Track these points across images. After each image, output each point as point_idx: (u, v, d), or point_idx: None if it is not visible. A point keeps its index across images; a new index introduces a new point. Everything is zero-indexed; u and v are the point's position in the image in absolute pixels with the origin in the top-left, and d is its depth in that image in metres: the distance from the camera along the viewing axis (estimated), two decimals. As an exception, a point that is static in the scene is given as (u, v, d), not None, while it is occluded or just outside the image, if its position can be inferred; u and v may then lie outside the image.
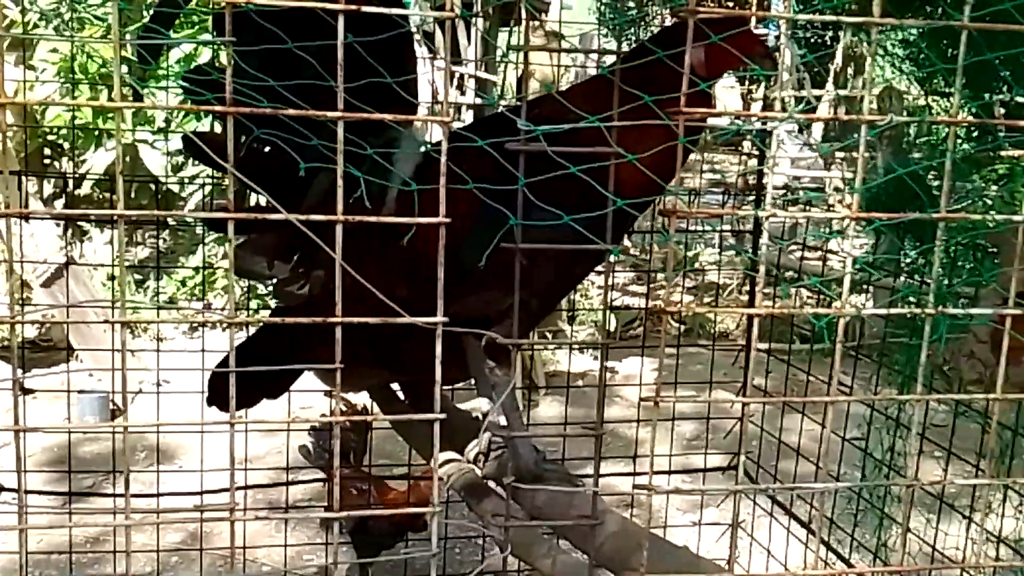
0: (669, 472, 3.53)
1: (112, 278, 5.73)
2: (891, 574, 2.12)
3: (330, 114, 0.81)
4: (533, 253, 1.21)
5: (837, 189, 8.62)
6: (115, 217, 0.81)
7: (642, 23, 2.68)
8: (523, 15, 4.29)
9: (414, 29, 1.77)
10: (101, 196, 6.82)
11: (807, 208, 5.85)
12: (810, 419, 3.15)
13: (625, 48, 1.59)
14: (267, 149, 1.53)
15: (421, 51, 5.08)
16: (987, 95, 1.89)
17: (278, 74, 1.32)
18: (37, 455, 4.37)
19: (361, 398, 2.99)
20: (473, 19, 5.95)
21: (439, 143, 0.87)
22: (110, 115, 5.84)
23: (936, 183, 1.80)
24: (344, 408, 3.02)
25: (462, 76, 6.68)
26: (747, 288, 7.02)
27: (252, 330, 1.75)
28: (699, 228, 4.74)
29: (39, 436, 4.36)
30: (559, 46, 3.71)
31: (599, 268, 1.73)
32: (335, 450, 0.92)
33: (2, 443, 4.37)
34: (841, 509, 2.92)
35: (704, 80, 1.39)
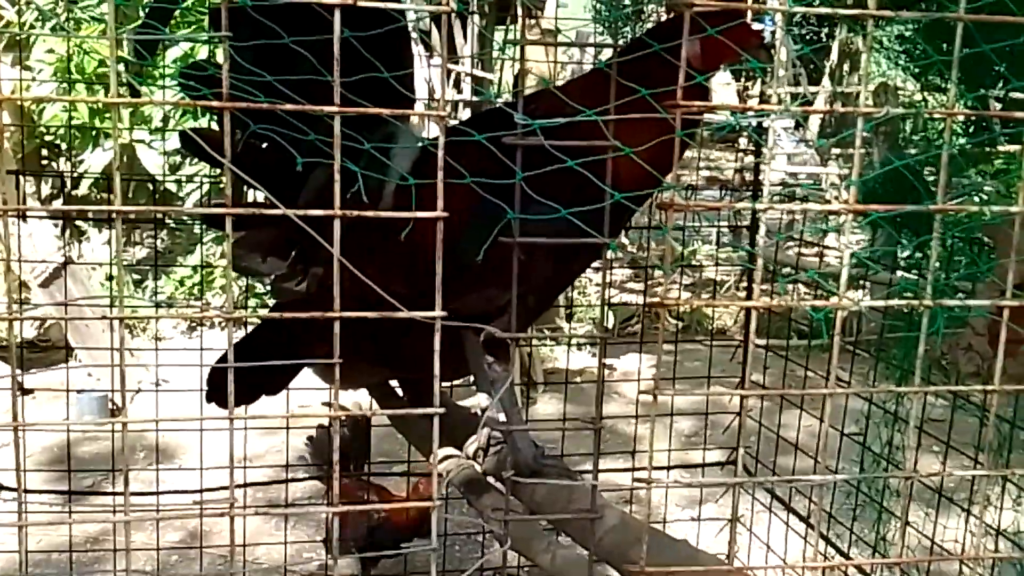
0: (668, 467, 3.53)
1: (110, 278, 5.72)
2: (890, 567, 2.12)
3: (327, 109, 0.81)
4: (531, 248, 1.21)
5: (833, 185, 8.64)
6: (113, 214, 0.81)
7: (637, 19, 2.68)
8: (519, 11, 4.29)
9: (410, 26, 1.78)
10: (99, 196, 6.82)
11: (804, 203, 5.85)
12: (808, 414, 3.16)
13: (621, 44, 1.59)
14: (264, 145, 1.54)
15: (418, 49, 5.08)
16: (982, 90, 1.89)
17: (275, 69, 1.32)
18: (36, 455, 4.37)
19: (360, 399, 3.00)
20: (469, 16, 5.95)
21: (437, 138, 0.87)
22: (107, 114, 5.84)
23: (932, 178, 1.81)
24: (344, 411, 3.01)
25: (458, 74, 6.67)
26: (744, 284, 7.02)
27: (251, 328, 1.75)
28: (696, 224, 4.74)
29: (38, 436, 4.36)
30: (555, 42, 3.71)
31: (596, 264, 1.74)
32: (335, 451, 0.92)
33: (1, 443, 4.37)
34: (840, 504, 2.93)
35: (701, 73, 1.39)
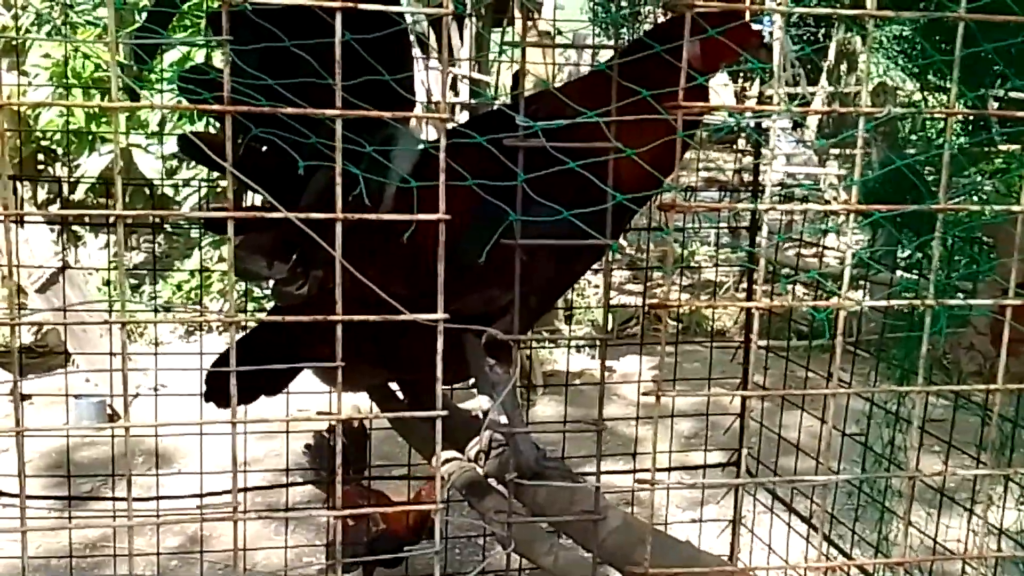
0: (669, 469, 3.53)
1: (108, 283, 5.72)
2: (893, 567, 2.12)
3: (328, 112, 0.80)
4: (532, 249, 1.21)
5: (832, 185, 8.65)
6: (113, 219, 0.81)
7: (634, 21, 2.68)
8: (516, 14, 4.29)
9: (409, 29, 1.77)
10: (95, 201, 6.81)
11: (804, 203, 5.85)
12: (809, 414, 3.15)
13: (619, 45, 1.59)
14: (264, 148, 1.53)
15: (416, 52, 5.07)
16: (982, 89, 1.89)
17: (275, 72, 1.32)
18: (35, 460, 4.36)
19: (359, 403, 2.98)
20: (467, 17, 5.95)
21: (437, 140, 0.87)
22: (104, 119, 5.84)
23: (932, 178, 1.81)
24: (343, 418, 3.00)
25: (455, 77, 6.67)
26: (744, 286, 7.02)
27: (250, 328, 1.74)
28: (695, 225, 4.74)
29: (36, 442, 4.35)
30: (553, 44, 3.71)
31: (596, 266, 1.73)
32: (337, 453, 0.92)
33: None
34: (841, 504, 2.93)
35: (701, 74, 1.39)
